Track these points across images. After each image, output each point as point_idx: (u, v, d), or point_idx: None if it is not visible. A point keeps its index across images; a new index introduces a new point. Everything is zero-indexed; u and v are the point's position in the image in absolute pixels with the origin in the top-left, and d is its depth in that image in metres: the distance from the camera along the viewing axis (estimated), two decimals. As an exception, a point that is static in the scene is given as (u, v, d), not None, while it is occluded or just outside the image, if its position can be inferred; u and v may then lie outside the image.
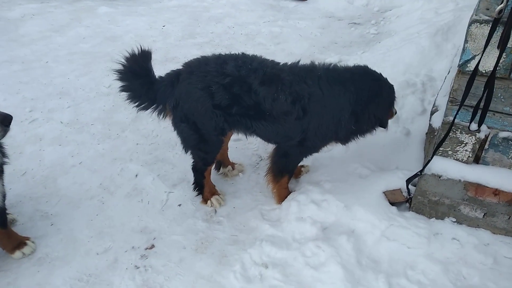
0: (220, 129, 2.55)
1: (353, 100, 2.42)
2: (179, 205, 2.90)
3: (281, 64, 2.55)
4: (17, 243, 2.48)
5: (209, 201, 2.86)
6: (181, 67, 2.57)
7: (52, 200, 2.93)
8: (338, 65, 2.58)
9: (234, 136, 3.00)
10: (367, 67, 2.57)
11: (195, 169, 2.83)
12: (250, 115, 2.47)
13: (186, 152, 2.74)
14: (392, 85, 2.59)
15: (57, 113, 3.96)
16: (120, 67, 2.48)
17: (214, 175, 3.06)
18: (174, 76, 2.54)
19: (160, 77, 2.60)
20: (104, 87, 4.42)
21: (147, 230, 2.69)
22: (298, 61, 2.56)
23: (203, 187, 2.86)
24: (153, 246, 2.58)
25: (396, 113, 2.74)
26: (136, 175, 3.15)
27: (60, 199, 2.94)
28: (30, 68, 4.86)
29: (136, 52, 2.48)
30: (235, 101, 2.43)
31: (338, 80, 2.42)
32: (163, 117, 2.64)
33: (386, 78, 2.56)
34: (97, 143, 3.56)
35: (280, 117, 2.44)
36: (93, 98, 4.25)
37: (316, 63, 2.56)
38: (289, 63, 2.56)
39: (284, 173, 2.73)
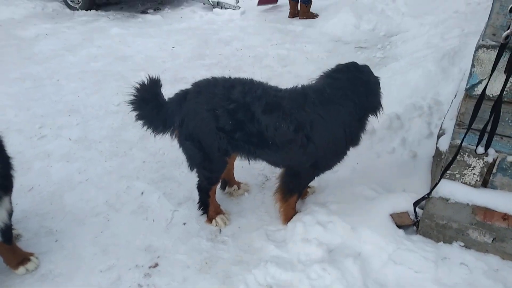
0: (224, 150, 2.56)
1: (354, 111, 2.42)
2: (184, 223, 2.88)
3: (282, 91, 2.54)
4: (21, 258, 2.47)
5: (214, 220, 2.84)
6: (190, 87, 2.61)
7: (57, 216, 2.94)
8: (322, 83, 2.51)
9: (241, 156, 3.01)
10: (344, 69, 2.51)
11: (200, 188, 2.83)
12: (253, 142, 2.48)
13: (191, 170, 2.75)
14: (370, 70, 2.55)
15: (66, 130, 4.01)
16: (131, 97, 2.56)
17: (219, 194, 3.06)
18: (182, 95, 2.59)
19: (169, 98, 2.64)
20: (113, 105, 4.47)
21: (152, 249, 2.67)
22: (296, 86, 2.54)
23: (208, 206, 2.86)
24: (157, 264, 2.56)
25: None
26: (142, 193, 3.16)
27: (66, 216, 2.94)
28: (41, 85, 4.96)
29: (145, 81, 2.55)
30: (238, 127, 2.44)
31: (333, 101, 2.40)
32: (174, 136, 2.66)
33: (361, 67, 2.52)
34: (105, 160, 3.59)
35: (284, 145, 2.44)
36: (102, 116, 4.31)
37: (306, 84, 2.54)
38: (289, 88, 2.54)
39: (294, 192, 2.71)
